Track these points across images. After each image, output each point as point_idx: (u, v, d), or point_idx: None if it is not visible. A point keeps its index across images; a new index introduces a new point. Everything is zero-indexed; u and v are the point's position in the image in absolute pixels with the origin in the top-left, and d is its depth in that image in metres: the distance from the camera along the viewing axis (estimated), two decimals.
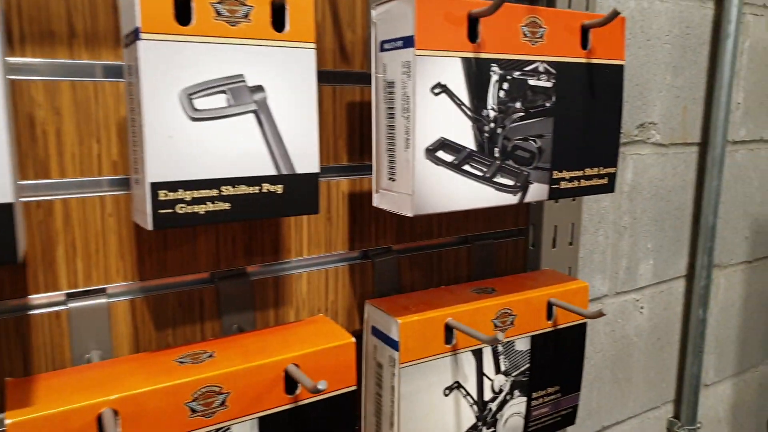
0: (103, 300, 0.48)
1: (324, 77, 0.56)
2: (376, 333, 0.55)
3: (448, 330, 0.54)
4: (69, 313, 0.47)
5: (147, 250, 0.50)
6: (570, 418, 0.66)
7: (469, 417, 0.57)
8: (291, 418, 0.45)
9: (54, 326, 0.47)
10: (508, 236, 0.72)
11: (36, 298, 0.46)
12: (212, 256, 0.53)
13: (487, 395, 0.58)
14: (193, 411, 0.42)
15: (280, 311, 0.57)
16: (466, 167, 0.48)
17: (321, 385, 0.41)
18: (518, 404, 0.60)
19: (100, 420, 0.38)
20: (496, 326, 0.57)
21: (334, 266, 0.60)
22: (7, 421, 0.36)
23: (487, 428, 0.58)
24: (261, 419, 0.44)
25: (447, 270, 0.68)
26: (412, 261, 0.65)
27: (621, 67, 0.57)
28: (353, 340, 0.49)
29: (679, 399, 1.15)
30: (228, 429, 0.43)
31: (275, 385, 0.44)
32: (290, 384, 0.46)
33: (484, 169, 0.49)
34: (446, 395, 0.55)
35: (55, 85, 0.44)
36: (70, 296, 0.47)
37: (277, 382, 0.45)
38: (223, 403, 0.43)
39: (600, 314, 0.55)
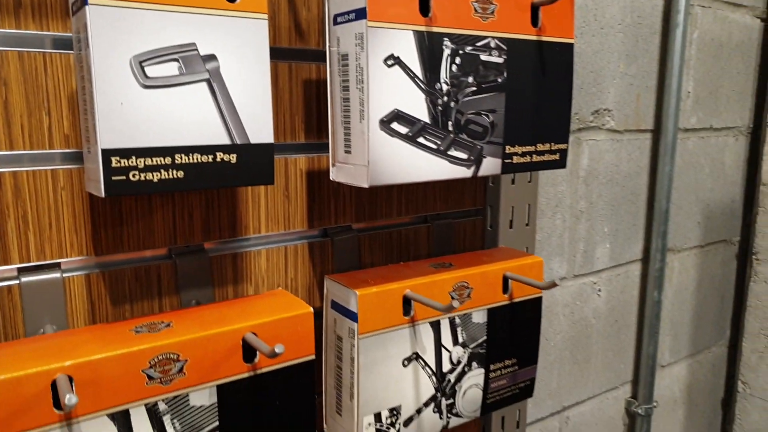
0: (57, 275, 0.48)
1: (280, 54, 0.56)
2: (336, 307, 0.56)
3: (406, 302, 0.55)
4: (21, 288, 0.46)
5: (102, 224, 0.49)
6: (528, 391, 0.67)
7: (429, 388, 0.58)
8: (250, 387, 0.46)
9: (6, 300, 0.46)
10: (466, 216, 0.74)
11: None
12: (169, 232, 0.53)
13: (446, 366, 0.59)
14: (150, 378, 0.42)
15: (239, 288, 0.57)
16: (421, 139, 0.49)
17: (278, 349, 0.41)
18: (476, 376, 0.61)
19: (54, 386, 0.38)
20: (453, 299, 0.58)
21: (293, 244, 0.60)
22: None
23: (446, 399, 0.59)
24: (219, 387, 0.45)
25: (407, 249, 0.69)
26: (371, 239, 0.66)
27: (571, 45, 0.59)
28: (311, 309, 0.49)
29: (636, 379, 1.18)
30: (186, 396, 0.43)
31: (233, 353, 0.45)
32: (248, 352, 0.46)
33: (438, 142, 0.50)
34: (405, 366, 0.56)
35: (2, 55, 0.44)
36: (23, 271, 0.47)
37: (235, 350, 0.45)
38: (180, 371, 0.43)
39: (553, 284, 0.57)
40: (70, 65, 0.47)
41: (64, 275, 0.48)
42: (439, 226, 0.71)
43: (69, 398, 0.34)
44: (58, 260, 0.48)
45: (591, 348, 1.09)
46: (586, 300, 1.06)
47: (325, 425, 0.59)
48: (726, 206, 1.31)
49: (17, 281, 0.46)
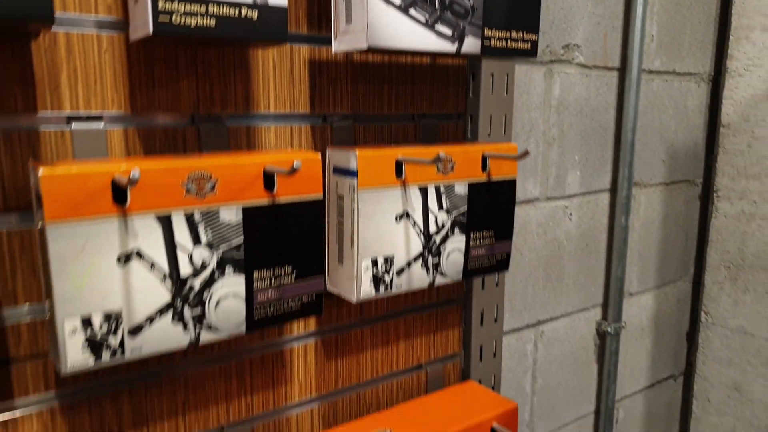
0: (100, 125, 0.56)
1: None
2: (337, 171, 0.65)
3: (398, 166, 0.64)
4: (72, 134, 0.54)
5: (138, 85, 0.57)
6: (504, 264, 0.76)
7: (417, 244, 0.67)
8: (269, 213, 0.54)
9: (59, 143, 0.54)
10: (449, 119, 0.82)
11: (43, 116, 0.53)
12: (193, 100, 0.61)
13: (432, 228, 0.68)
14: (188, 191, 0.50)
15: None
16: (411, 11, 0.58)
17: (296, 164, 0.50)
18: (458, 241, 0.70)
19: (113, 185, 0.46)
20: (438, 169, 0.67)
21: (298, 124, 0.69)
22: (40, 173, 0.44)
23: (433, 257, 0.68)
24: (245, 209, 0.53)
25: (396, 141, 0.77)
26: (365, 130, 0.74)
27: None
28: (319, 156, 0.58)
29: (606, 303, 1.28)
30: (216, 212, 0.51)
31: (255, 181, 0.53)
32: (268, 183, 0.54)
33: (427, 15, 0.59)
34: (397, 221, 0.65)
35: None
36: (72, 119, 0.55)
37: (257, 178, 0.53)
38: (212, 189, 0.51)
39: (526, 153, 0.66)
40: None
41: (106, 127, 0.56)
42: (425, 125, 0.80)
43: (134, 173, 0.42)
44: (101, 112, 0.56)
45: (563, 268, 1.18)
46: (558, 222, 1.15)
47: (327, 279, 0.68)
48: (689, 148, 1.41)
49: (69, 127, 0.54)
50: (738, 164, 1.37)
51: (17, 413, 0.55)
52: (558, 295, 1.18)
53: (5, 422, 0.55)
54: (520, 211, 1.07)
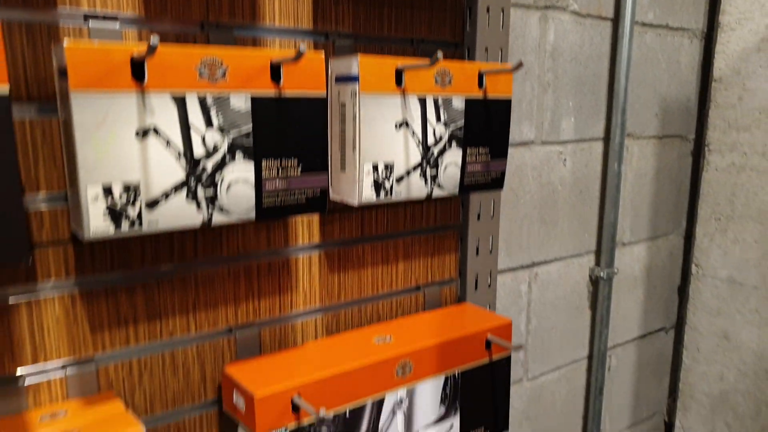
0: (116, 26, 0.59)
1: None
2: (339, 79, 0.68)
3: (398, 75, 0.67)
4: (89, 31, 0.58)
5: None
6: (498, 183, 0.80)
7: (416, 154, 0.70)
8: (276, 104, 0.58)
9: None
10: (447, 46, 0.86)
11: (63, 12, 0.56)
12: (203, 10, 0.64)
13: (430, 140, 0.71)
14: (201, 75, 0.53)
15: None
16: None
17: (302, 48, 0.53)
18: (455, 155, 0.73)
19: (132, 62, 0.49)
20: (436, 81, 0.70)
21: (301, 40, 0.72)
22: (65, 45, 0.47)
23: (431, 169, 0.72)
24: (254, 98, 0.56)
25: None
26: (366, 50, 0.77)
27: None
28: (323, 55, 0.61)
29: (599, 250, 1.32)
30: (227, 98, 0.55)
31: (263, 72, 0.56)
32: (275, 74, 0.58)
33: None
34: (397, 129, 0.68)
35: None
36: (89, 17, 0.58)
37: (264, 69, 0.56)
38: (223, 75, 0.54)
39: (520, 64, 0.69)
40: None
41: (121, 28, 0.59)
42: (423, 50, 0.83)
43: (153, 39, 0.45)
44: (116, 12, 0.59)
45: (558, 213, 1.21)
46: (553, 167, 1.18)
47: (330, 189, 0.71)
48: (682, 104, 1.44)
49: (86, 25, 0.58)
50: (729, 117, 1.40)
51: (41, 295, 0.59)
52: (552, 239, 1.22)
53: (30, 303, 0.58)
54: (515, 153, 1.11)
